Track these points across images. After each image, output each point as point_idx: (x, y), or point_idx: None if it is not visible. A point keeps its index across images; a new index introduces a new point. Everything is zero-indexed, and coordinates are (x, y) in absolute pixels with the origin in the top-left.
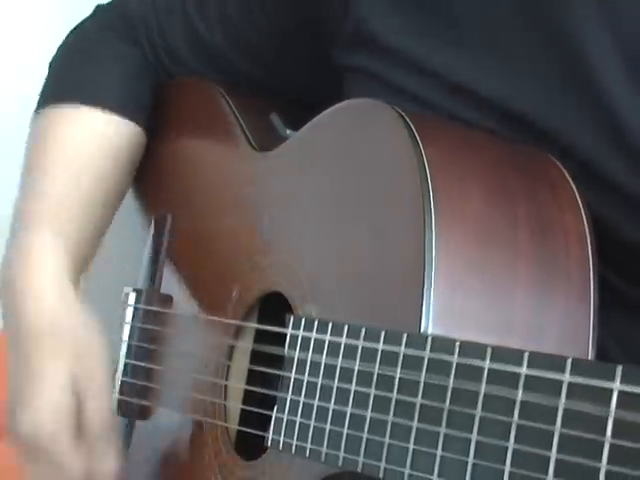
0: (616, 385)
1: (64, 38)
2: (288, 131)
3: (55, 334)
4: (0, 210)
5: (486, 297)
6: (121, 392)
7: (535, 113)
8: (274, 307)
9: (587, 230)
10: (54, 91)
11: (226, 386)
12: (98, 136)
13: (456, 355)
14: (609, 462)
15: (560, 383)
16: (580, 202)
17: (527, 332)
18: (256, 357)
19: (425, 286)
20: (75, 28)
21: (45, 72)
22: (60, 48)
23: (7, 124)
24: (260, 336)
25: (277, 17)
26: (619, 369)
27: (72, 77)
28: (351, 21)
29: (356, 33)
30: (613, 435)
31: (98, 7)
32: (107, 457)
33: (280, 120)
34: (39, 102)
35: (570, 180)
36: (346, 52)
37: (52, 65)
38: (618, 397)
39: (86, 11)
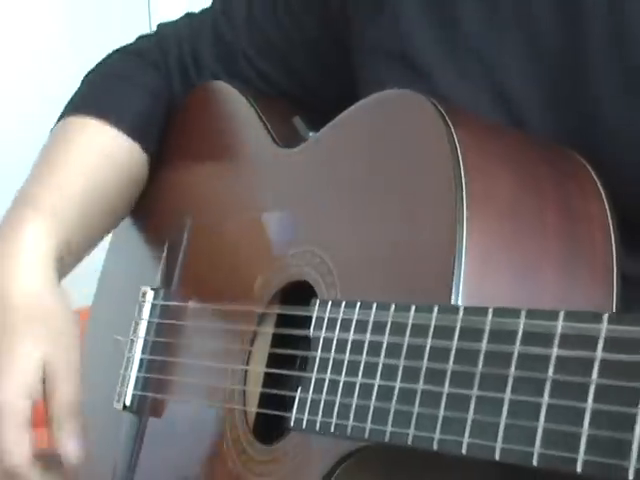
0: None
1: (105, 56)
2: (311, 133)
3: (31, 316)
4: None
5: (515, 279)
6: (136, 387)
7: None
8: (296, 299)
9: (610, 221)
10: (77, 103)
11: (246, 371)
12: (102, 147)
13: (490, 317)
14: None
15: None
16: (604, 195)
17: None
18: (277, 342)
19: (455, 267)
20: (117, 50)
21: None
22: (98, 65)
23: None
24: (282, 324)
25: (301, 18)
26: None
27: (96, 93)
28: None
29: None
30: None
31: (140, 36)
32: (72, 438)
33: (303, 123)
34: (63, 111)
35: (594, 175)
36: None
37: (86, 78)
38: None
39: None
